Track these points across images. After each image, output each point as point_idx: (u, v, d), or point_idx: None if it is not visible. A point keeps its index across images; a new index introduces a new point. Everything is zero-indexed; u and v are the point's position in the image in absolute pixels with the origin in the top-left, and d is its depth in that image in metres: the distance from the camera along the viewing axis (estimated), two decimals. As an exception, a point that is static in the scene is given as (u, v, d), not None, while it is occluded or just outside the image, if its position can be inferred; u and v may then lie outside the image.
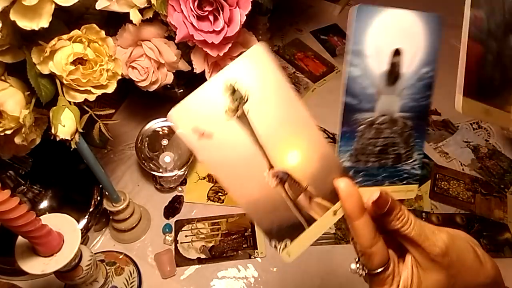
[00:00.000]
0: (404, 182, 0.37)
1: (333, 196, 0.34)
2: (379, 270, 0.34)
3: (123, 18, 0.56)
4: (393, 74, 0.33)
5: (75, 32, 0.46)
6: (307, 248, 0.34)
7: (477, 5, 0.31)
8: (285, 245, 0.34)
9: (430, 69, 0.34)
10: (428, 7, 0.36)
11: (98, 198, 0.67)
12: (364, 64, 0.32)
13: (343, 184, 0.33)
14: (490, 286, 0.35)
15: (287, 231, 0.34)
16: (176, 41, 0.58)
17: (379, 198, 0.33)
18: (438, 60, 0.34)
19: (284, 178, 0.33)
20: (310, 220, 0.34)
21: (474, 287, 0.35)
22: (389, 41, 0.32)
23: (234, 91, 0.30)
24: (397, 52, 0.33)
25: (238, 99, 0.30)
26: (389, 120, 0.34)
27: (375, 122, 0.34)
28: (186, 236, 0.68)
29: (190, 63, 0.63)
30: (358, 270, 0.36)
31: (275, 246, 0.34)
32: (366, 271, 0.35)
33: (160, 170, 0.67)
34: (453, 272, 0.34)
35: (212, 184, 0.73)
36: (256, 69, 0.30)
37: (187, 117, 0.30)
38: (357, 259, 0.36)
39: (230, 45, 0.58)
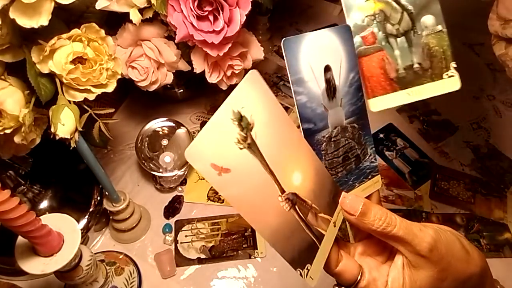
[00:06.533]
0: (369, 177, 0.39)
1: (330, 209, 0.36)
2: (353, 284, 0.36)
3: (123, 18, 0.56)
4: (330, 89, 0.36)
5: (75, 31, 0.46)
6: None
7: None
8: (308, 270, 0.35)
9: (355, 73, 0.37)
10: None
11: (98, 198, 0.67)
12: (307, 89, 0.34)
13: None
14: (480, 274, 0.36)
15: (305, 254, 0.34)
16: (176, 41, 0.58)
17: (343, 201, 0.35)
18: (357, 63, 0.37)
19: (294, 200, 0.33)
20: (320, 237, 0.35)
21: (465, 278, 0.35)
22: (318, 61, 0.35)
23: (241, 118, 0.29)
24: (327, 68, 0.35)
25: (246, 125, 0.29)
26: (341, 130, 0.37)
27: (332, 136, 0.36)
28: (186, 236, 0.68)
29: (190, 63, 0.63)
30: None
31: (301, 274, 0.34)
32: None
33: (160, 170, 0.67)
34: (444, 266, 0.34)
35: (212, 184, 0.73)
36: (255, 93, 0.30)
37: (203, 154, 0.28)
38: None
39: (230, 45, 0.58)
